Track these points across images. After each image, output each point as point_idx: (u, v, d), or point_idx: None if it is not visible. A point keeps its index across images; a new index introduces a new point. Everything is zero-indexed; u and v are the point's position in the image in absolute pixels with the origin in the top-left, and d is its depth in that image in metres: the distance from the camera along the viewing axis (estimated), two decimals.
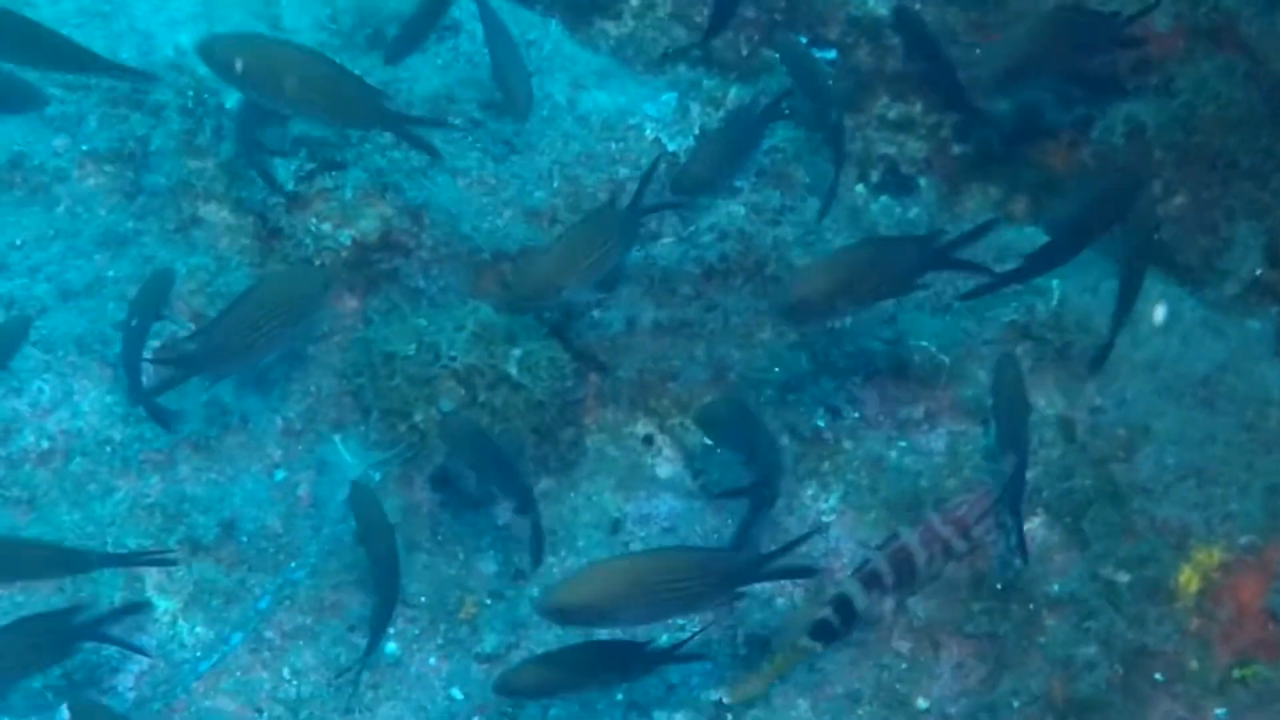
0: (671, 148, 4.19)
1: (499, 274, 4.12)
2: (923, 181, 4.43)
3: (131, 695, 3.95)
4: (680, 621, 3.94)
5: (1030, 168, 4.42)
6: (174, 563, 3.88)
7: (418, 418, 4.09)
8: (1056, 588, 3.91)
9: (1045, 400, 4.03)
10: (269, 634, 4.03)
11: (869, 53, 4.41)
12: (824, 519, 4.15)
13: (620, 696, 4.14)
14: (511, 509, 3.84)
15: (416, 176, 4.11)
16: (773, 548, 3.45)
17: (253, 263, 4.11)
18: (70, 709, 3.65)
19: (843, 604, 3.84)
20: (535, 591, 4.18)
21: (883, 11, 4.36)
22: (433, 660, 4.11)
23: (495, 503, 4.17)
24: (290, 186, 4.04)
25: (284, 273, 3.99)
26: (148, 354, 3.83)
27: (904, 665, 4.03)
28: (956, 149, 4.46)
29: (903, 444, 4.13)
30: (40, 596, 3.84)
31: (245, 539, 4.04)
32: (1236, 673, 3.86)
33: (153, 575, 3.98)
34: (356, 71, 3.38)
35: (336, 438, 4.08)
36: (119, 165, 4.19)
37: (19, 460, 3.98)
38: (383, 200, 4.10)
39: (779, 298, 3.57)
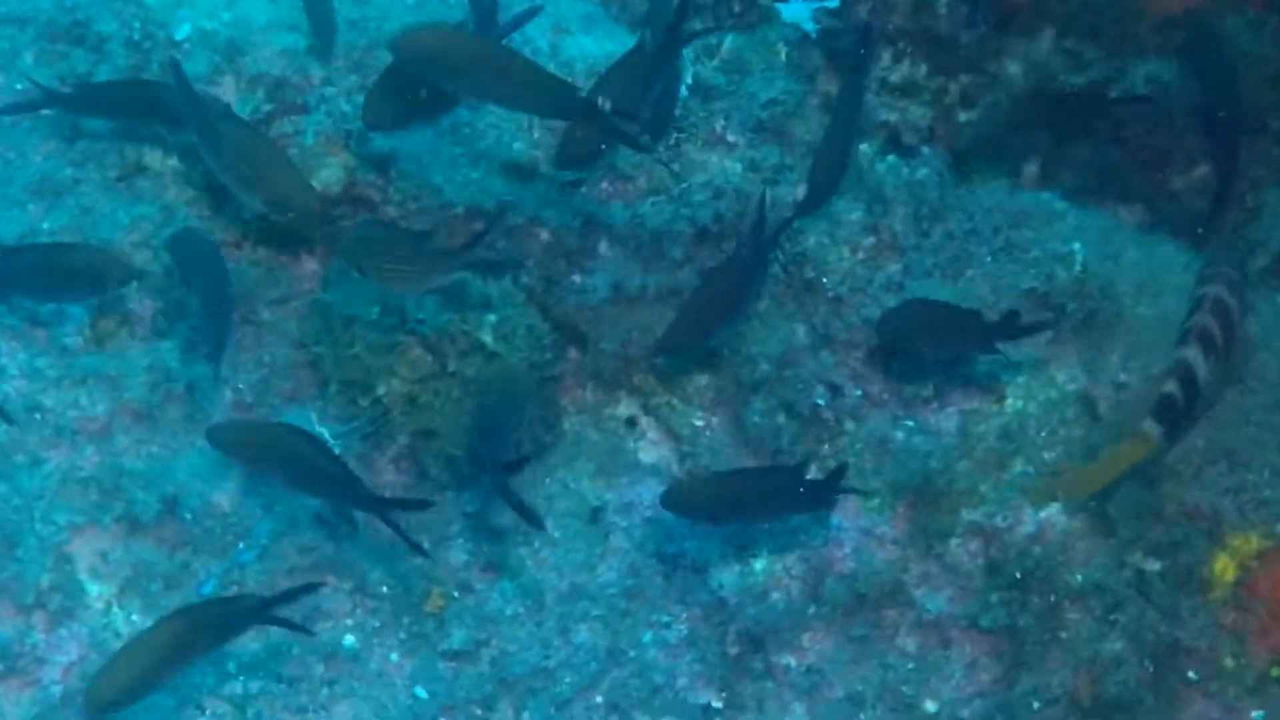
0: None
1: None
2: (926, 151, 4.11)
3: (58, 689, 3.56)
4: None
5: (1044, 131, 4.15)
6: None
7: (380, 390, 3.74)
8: (1080, 577, 3.61)
9: (1066, 375, 3.73)
10: None
11: (870, 9, 4.10)
12: None
13: (600, 699, 3.80)
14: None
15: None
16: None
17: (201, 215, 3.75)
18: None
19: (1185, 374, 3.42)
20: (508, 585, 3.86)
21: None
22: (395, 656, 3.75)
23: (466, 487, 3.84)
24: None
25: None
26: None
27: (910, 665, 3.73)
28: (963, 116, 4.16)
29: (910, 423, 3.80)
30: None
31: (189, 517, 3.65)
32: (1275, 671, 3.56)
33: (84, 556, 3.60)
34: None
35: (311, 413, 3.73)
36: None
37: None
38: (345, 149, 3.75)
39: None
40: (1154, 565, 3.58)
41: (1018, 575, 3.64)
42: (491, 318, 3.73)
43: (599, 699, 3.80)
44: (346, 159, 3.75)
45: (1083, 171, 4.17)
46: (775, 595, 3.79)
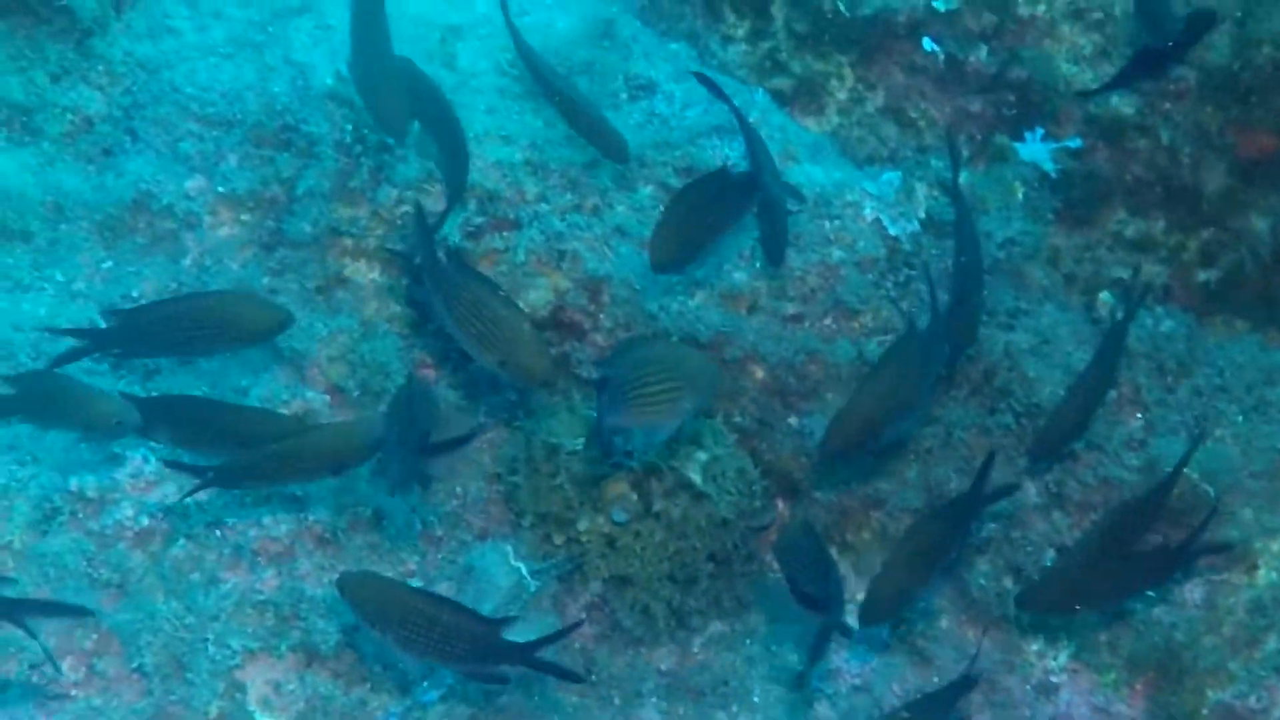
0: (894, 232, 3.63)
1: None
2: (1160, 311, 3.85)
3: None
4: None
5: None
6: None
7: (582, 526, 3.49)
8: None
9: None
10: None
11: (1108, 157, 3.88)
12: (1051, 679, 3.52)
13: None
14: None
15: (598, 245, 3.56)
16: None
17: (401, 332, 3.54)
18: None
19: None
20: None
21: (1128, 111, 3.84)
22: None
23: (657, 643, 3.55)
24: (456, 239, 3.49)
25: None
26: None
27: None
28: (1202, 275, 3.90)
29: (1149, 593, 3.49)
30: None
31: (370, 650, 3.39)
32: None
33: (257, 685, 3.33)
34: None
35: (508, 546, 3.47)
36: (258, 212, 3.64)
37: (112, 538, 3.37)
38: (558, 269, 3.54)
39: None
40: None
41: None
42: (702, 455, 3.48)
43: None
44: (558, 280, 3.53)
45: None
46: None
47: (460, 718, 3.38)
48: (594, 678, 3.53)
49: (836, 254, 3.59)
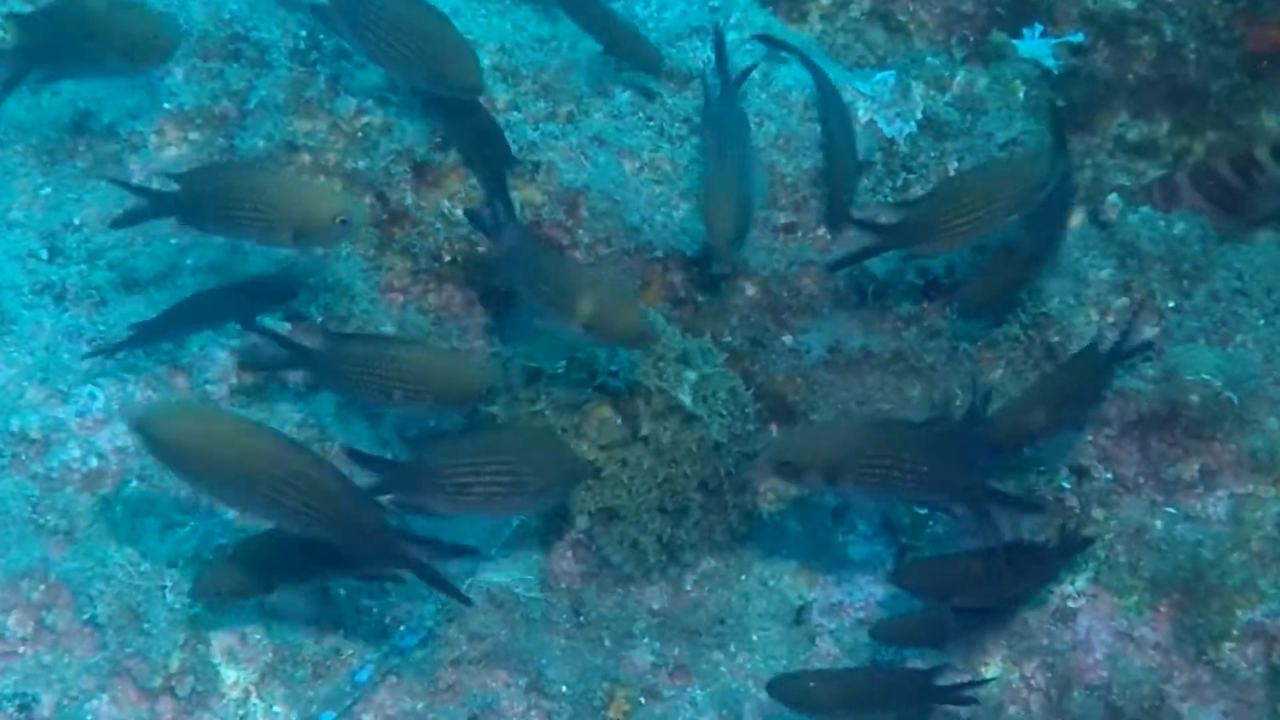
0: (889, 133, 3.42)
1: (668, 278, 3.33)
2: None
3: None
4: None
5: None
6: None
7: None
8: None
9: None
10: (366, 719, 3.14)
11: (1108, 56, 3.68)
12: (1069, 604, 3.31)
13: None
14: None
15: (575, 155, 3.33)
16: None
17: (365, 254, 3.31)
18: None
19: None
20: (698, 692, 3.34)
21: (1128, 5, 3.64)
22: None
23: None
24: (420, 153, 3.26)
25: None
26: None
27: None
28: None
29: (1171, 510, 3.30)
30: None
31: (343, 594, 3.16)
32: None
33: (221, 635, 3.09)
34: None
35: None
36: (208, 129, 3.40)
37: (59, 481, 3.13)
38: (532, 182, 3.32)
39: None
40: None
41: None
42: (691, 375, 3.26)
43: None
44: (531, 193, 3.31)
45: None
46: (1013, 709, 3.27)
47: (441, 663, 3.17)
48: (582, 619, 3.33)
49: None
